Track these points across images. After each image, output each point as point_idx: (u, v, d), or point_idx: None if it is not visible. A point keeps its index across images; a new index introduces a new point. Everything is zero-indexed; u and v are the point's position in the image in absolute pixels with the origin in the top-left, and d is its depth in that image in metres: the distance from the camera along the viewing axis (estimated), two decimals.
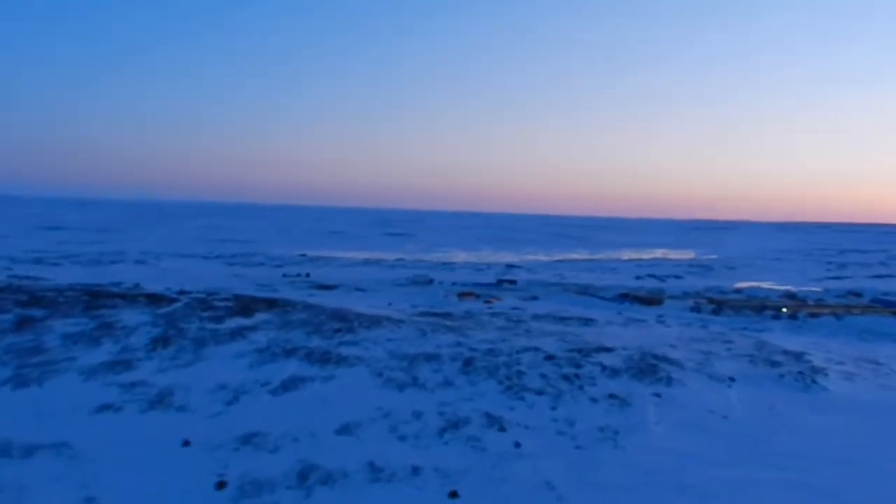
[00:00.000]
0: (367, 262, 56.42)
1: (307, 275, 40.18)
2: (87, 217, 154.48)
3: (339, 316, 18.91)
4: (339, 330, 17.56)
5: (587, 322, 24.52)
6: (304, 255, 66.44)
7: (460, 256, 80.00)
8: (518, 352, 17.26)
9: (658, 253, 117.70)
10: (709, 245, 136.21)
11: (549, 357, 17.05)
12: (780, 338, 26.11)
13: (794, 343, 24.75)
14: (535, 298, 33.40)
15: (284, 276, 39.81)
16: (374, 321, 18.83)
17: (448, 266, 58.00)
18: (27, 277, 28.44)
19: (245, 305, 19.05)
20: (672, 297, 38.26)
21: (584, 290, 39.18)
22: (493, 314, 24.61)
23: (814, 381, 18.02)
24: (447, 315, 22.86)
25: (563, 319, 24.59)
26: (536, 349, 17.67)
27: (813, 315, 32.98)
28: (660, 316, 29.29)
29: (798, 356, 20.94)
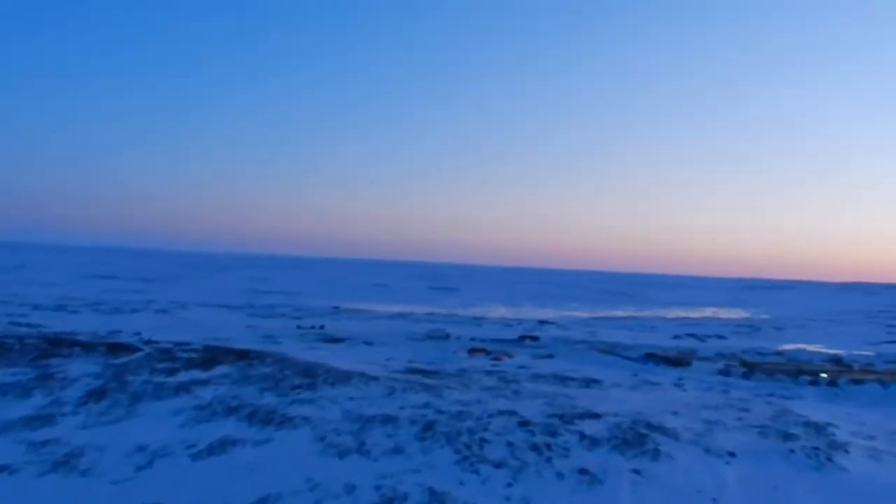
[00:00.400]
0: (393, 316, 55.22)
1: (321, 327, 39.23)
2: (140, 266, 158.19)
3: (308, 371, 17.68)
4: (299, 386, 16.33)
5: (591, 383, 22.71)
6: (336, 308, 65.74)
7: (497, 311, 78.31)
8: (491, 416, 15.71)
9: (708, 312, 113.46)
10: (763, 304, 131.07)
11: (524, 423, 15.43)
12: (809, 406, 23.74)
13: (822, 413, 22.39)
14: (550, 356, 31.59)
15: (299, 327, 38.93)
16: (344, 377, 17.54)
17: (477, 321, 56.37)
18: (25, 325, 28.13)
19: (209, 358, 18.00)
20: (703, 359, 35.88)
21: (610, 349, 37.10)
22: (490, 372, 23.01)
23: (829, 459, 15.86)
24: (436, 373, 21.38)
25: (564, 380, 22.84)
26: (513, 413, 16.07)
27: (856, 381, 30.21)
28: (680, 378, 27.16)
29: (820, 428, 18.72)
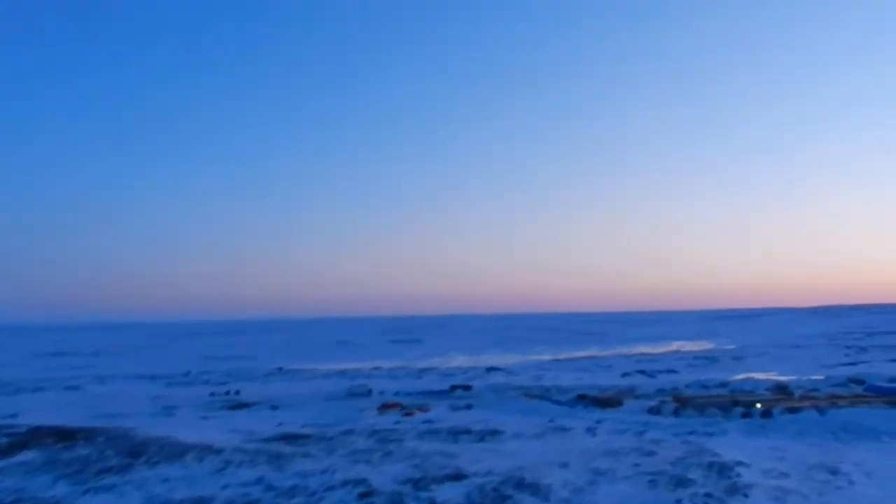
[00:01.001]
0: (330, 375, 52.98)
1: (237, 392, 36.81)
2: (105, 341, 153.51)
3: (136, 449, 15.50)
4: (109, 469, 14.15)
5: (488, 436, 20.70)
6: (280, 369, 63.31)
7: (453, 361, 76.16)
8: (330, 488, 13.61)
9: (673, 346, 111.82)
10: (730, 335, 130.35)
11: (366, 494, 13.33)
12: (729, 443, 21.86)
13: (740, 449, 20.55)
14: (468, 407, 29.54)
15: (212, 394, 36.52)
16: (178, 453, 15.37)
17: (421, 372, 54.46)
18: None
19: (21, 442, 15.76)
20: (640, 396, 34.09)
21: (543, 394, 35.22)
22: (375, 432, 20.90)
23: None
24: (308, 437, 19.26)
25: (458, 434, 20.83)
26: (360, 482, 13.97)
27: (792, 410, 28.45)
28: (598, 421, 25.23)
29: (725, 470, 16.83)
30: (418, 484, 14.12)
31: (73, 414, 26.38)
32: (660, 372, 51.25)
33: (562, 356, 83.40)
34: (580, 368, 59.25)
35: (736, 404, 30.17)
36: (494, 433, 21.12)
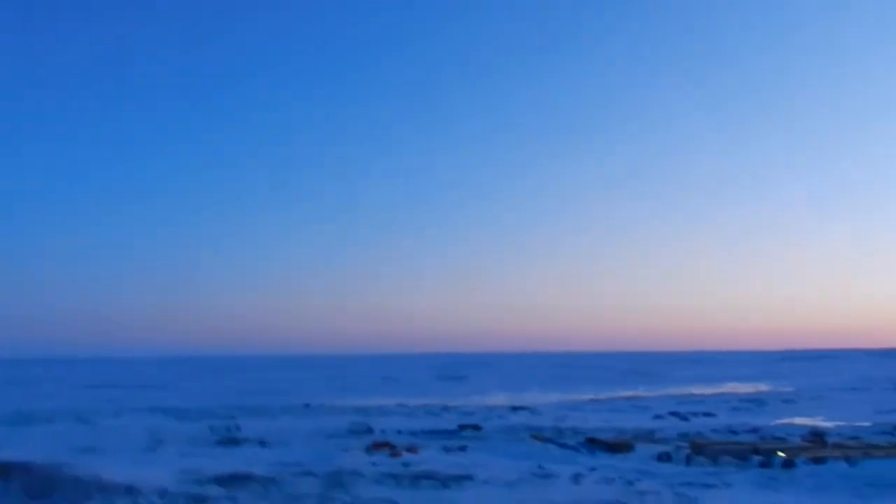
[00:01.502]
0: (344, 411, 52.05)
1: (237, 428, 35.89)
2: (154, 375, 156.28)
3: (44, 488, 14.53)
4: None
5: (455, 481, 19.15)
6: (307, 405, 62.49)
7: (487, 400, 73.93)
8: None
9: (727, 387, 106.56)
10: (792, 377, 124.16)
11: None
12: (728, 497, 19.55)
13: None
14: (462, 449, 27.86)
15: (211, 429, 35.74)
16: (84, 495, 14.34)
17: (444, 409, 53.16)
18: None
19: None
20: (656, 441, 31.89)
21: (555, 437, 33.34)
22: (337, 473, 19.62)
23: None
24: (253, 479, 18.04)
25: (424, 478, 19.41)
26: None
27: (817, 460, 25.84)
28: (592, 468, 23.31)
29: None
30: None
31: (54, 447, 25.79)
32: (695, 415, 48.27)
33: (602, 396, 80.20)
34: (614, 409, 56.54)
35: (756, 452, 27.58)
36: (463, 479, 19.49)
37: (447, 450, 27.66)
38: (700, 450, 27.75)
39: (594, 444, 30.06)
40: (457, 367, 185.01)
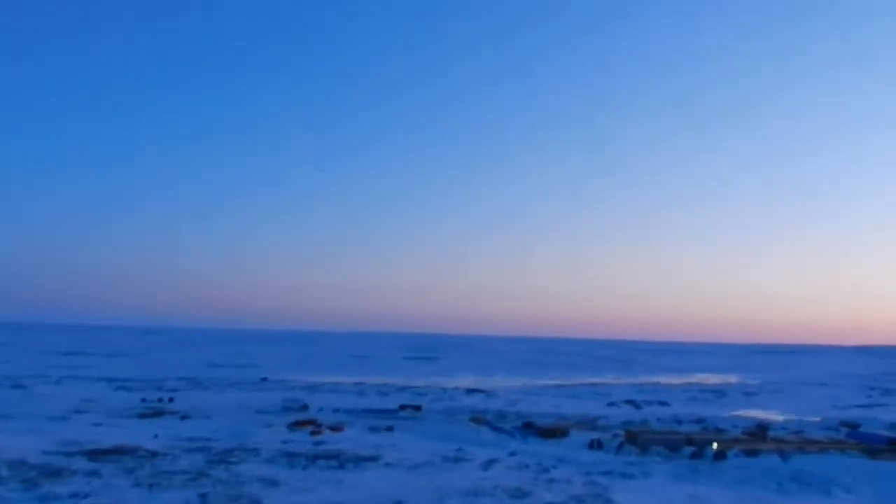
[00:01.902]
0: (295, 387, 51.07)
1: (170, 400, 34.91)
2: (127, 344, 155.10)
3: None
4: None
5: (355, 463, 18.19)
6: (265, 379, 62.02)
7: (452, 381, 73.39)
8: None
9: (698, 377, 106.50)
10: (764, 370, 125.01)
11: None
12: (642, 487, 18.61)
13: (651, 495, 17.36)
14: (389, 429, 27.01)
15: (143, 401, 34.74)
16: None
17: (399, 389, 52.35)
18: None
19: None
20: (598, 428, 31.30)
21: (495, 420, 32.68)
22: (230, 451, 18.58)
23: None
24: (133, 453, 17.00)
25: (325, 458, 18.49)
26: None
27: (750, 452, 25.13)
28: (512, 453, 22.53)
29: None
30: None
31: None
32: (650, 403, 47.67)
33: (570, 382, 79.94)
34: (573, 395, 55.85)
35: (690, 443, 26.82)
36: (367, 460, 18.54)
37: (374, 430, 26.78)
38: (633, 439, 26.93)
39: (529, 429, 29.26)
40: (433, 347, 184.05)
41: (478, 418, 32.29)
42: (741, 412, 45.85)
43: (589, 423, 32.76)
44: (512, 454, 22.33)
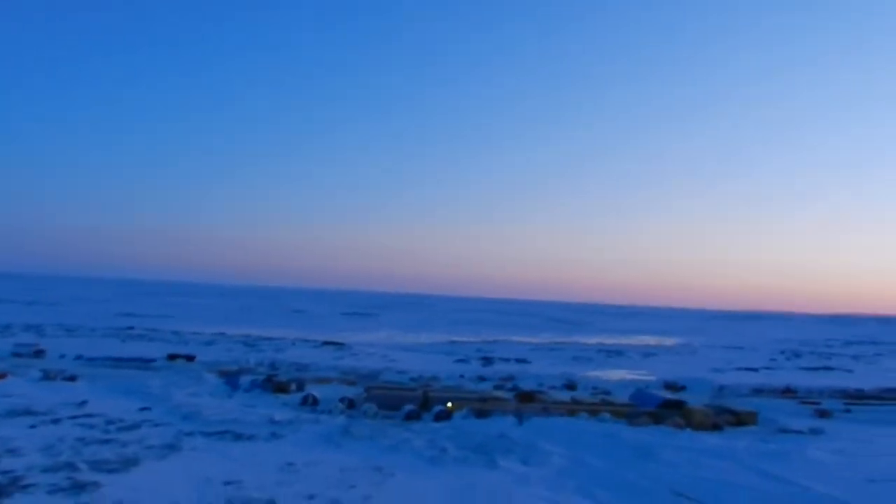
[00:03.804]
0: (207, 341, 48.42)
1: (36, 348, 31.19)
2: (73, 292, 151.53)
3: None
4: None
5: None
6: (176, 332, 58.37)
7: (332, 336, 69.53)
8: None
9: (636, 339, 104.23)
10: (707, 334, 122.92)
11: None
12: (261, 450, 15.07)
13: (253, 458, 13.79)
14: (72, 379, 23.28)
15: (15, 345, 31.69)
16: None
17: (256, 341, 49.15)
18: None
19: None
20: (352, 383, 27.75)
21: (246, 373, 29.05)
22: None
23: None
24: None
25: None
26: None
27: (482, 413, 21.68)
28: (147, 409, 18.71)
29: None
30: None
31: None
32: (507, 360, 44.17)
33: (460, 339, 75.62)
34: (431, 351, 52.35)
35: (426, 402, 23.23)
36: None
37: (50, 378, 23.02)
38: (369, 393, 23.38)
39: (269, 383, 25.53)
40: (370, 305, 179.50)
41: (226, 371, 28.65)
42: (600, 374, 42.43)
43: (371, 377, 29.19)
44: (145, 410, 18.60)
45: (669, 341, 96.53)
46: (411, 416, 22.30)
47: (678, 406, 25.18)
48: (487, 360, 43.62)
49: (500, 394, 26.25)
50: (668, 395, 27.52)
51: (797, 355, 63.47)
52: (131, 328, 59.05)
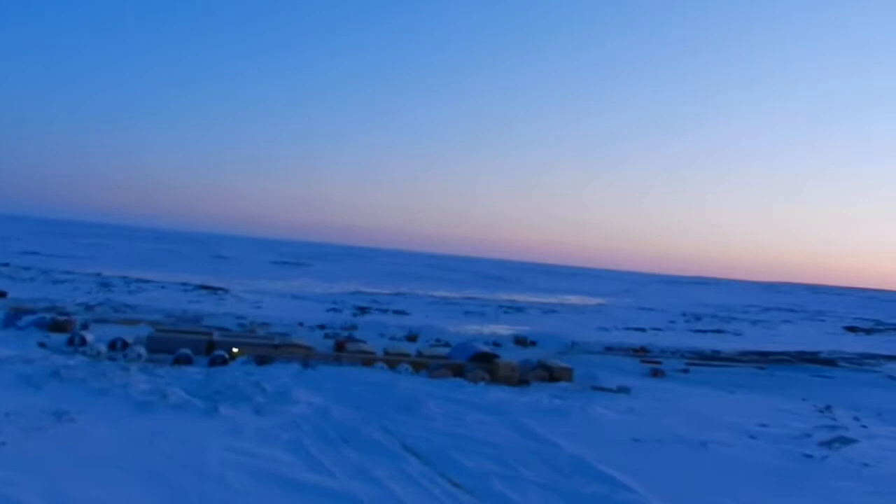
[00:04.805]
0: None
1: None
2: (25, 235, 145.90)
3: None
4: None
5: None
6: (47, 271, 55.73)
7: (293, 285, 68.05)
8: None
9: (558, 298, 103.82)
10: (635, 295, 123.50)
11: None
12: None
13: None
14: None
15: None
16: None
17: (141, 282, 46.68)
18: None
19: None
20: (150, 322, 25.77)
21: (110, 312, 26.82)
22: None
23: None
24: None
25: None
26: None
27: (265, 360, 19.96)
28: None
29: None
30: None
31: None
32: (385, 311, 42.80)
33: (369, 290, 74.01)
34: (332, 302, 50.72)
35: (211, 346, 21.45)
36: None
37: None
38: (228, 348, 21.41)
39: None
40: (316, 256, 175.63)
41: (21, 308, 26.47)
42: (478, 327, 41.39)
43: (198, 322, 27.20)
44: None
45: (592, 301, 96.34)
46: (181, 360, 20.38)
47: (488, 360, 23.89)
48: (363, 310, 42.15)
49: (329, 342, 24.64)
50: (490, 349, 26.15)
51: (697, 318, 63.26)
52: (48, 271, 56.05)
